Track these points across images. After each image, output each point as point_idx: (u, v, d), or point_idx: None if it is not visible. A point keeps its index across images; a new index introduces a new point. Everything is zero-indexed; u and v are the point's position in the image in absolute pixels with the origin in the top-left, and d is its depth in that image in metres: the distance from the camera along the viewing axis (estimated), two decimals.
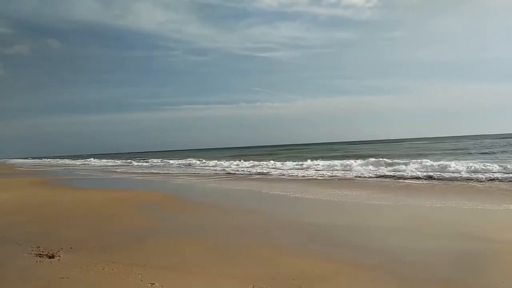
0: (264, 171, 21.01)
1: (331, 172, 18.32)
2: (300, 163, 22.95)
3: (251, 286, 3.76)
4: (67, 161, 62.41)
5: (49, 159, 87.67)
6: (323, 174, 17.75)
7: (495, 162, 16.21)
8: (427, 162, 16.97)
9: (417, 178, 14.15)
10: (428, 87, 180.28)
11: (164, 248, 5.41)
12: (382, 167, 17.83)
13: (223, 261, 4.78)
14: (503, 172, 13.60)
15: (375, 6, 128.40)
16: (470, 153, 28.02)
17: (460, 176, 13.45)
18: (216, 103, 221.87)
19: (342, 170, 18.59)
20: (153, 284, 3.73)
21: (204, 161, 33.74)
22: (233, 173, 21.37)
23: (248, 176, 19.09)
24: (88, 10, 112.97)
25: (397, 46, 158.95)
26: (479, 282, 3.95)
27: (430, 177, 13.91)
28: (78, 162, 54.79)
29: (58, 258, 4.66)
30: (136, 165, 36.73)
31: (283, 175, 18.64)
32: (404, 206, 8.61)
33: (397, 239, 5.74)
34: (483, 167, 14.68)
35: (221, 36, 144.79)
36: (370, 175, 16.05)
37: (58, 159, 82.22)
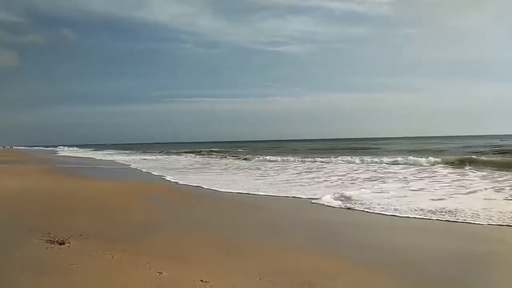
0: None
1: None
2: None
3: (257, 278, 3.78)
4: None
5: (38, 147, 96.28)
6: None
7: None
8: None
9: None
10: (442, 85, 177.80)
11: (171, 240, 5.48)
12: None
13: (229, 254, 4.83)
14: None
15: (391, 2, 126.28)
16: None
17: None
18: (227, 96, 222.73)
19: None
20: (161, 273, 3.78)
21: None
22: None
23: None
24: (103, 1, 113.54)
25: (412, 44, 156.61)
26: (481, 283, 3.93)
27: None
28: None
29: (68, 245, 4.73)
30: None
31: None
32: None
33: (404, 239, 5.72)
34: None
35: (233, 29, 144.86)
36: None
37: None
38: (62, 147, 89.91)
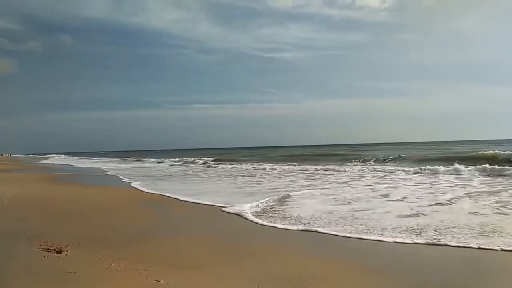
0: None
1: None
2: None
3: (256, 285, 3.78)
4: None
5: (33, 155, 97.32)
6: None
7: None
8: None
9: None
10: (441, 90, 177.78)
11: (169, 246, 5.47)
12: None
13: (227, 260, 4.82)
14: None
15: (389, 8, 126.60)
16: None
17: None
18: (225, 103, 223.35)
19: None
20: (159, 281, 3.77)
21: None
22: None
23: None
24: (100, 7, 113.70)
25: (410, 49, 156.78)
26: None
27: None
28: None
29: (66, 253, 4.72)
30: None
31: None
32: None
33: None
34: None
35: (232, 36, 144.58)
36: None
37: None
38: (55, 155, 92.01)
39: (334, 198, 10.13)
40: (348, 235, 6.04)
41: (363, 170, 20.64)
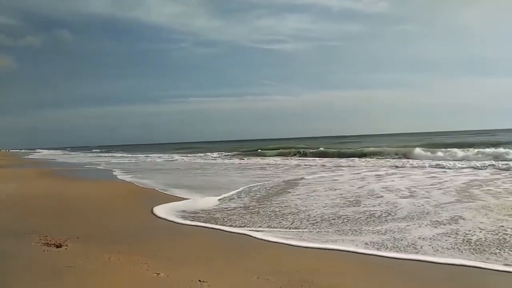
0: None
1: None
2: None
3: (255, 277, 3.80)
4: None
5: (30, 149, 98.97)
6: None
7: None
8: None
9: None
10: (440, 82, 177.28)
11: (169, 241, 5.48)
12: None
13: (227, 254, 4.84)
14: None
15: None
16: None
17: None
18: (224, 96, 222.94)
19: None
20: (159, 274, 3.78)
21: None
22: None
23: None
24: (100, 2, 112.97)
25: (408, 40, 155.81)
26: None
27: None
28: None
29: (65, 247, 4.73)
30: None
31: None
32: None
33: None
34: None
35: (230, 28, 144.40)
36: None
37: None
38: (42, 150, 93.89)
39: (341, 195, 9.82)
40: None
41: (355, 166, 20.63)
